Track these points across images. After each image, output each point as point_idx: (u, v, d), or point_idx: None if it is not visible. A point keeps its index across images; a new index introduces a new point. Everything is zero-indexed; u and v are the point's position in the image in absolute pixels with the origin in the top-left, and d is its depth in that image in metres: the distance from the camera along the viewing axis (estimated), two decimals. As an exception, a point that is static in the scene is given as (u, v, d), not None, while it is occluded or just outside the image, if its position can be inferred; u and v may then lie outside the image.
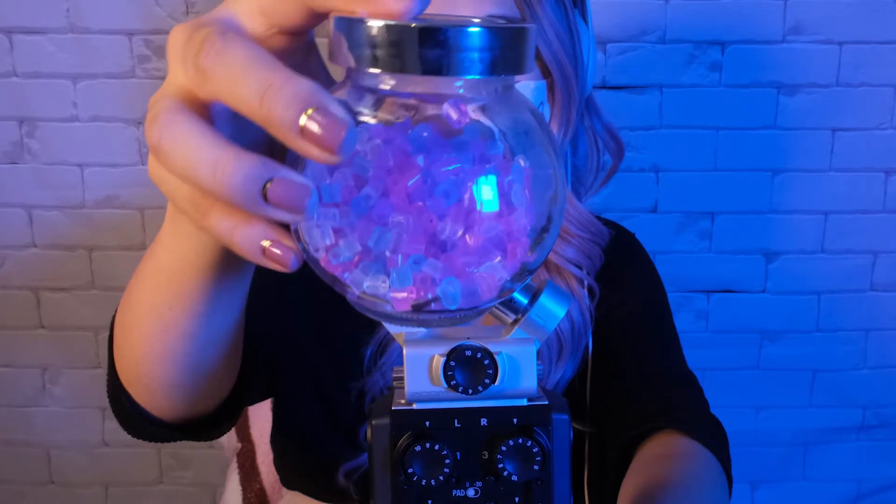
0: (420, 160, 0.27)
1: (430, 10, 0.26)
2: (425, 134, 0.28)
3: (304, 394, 0.77)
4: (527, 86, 0.69)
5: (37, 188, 1.27)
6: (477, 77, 0.26)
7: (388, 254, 0.28)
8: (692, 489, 0.56)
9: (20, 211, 1.28)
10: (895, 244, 1.30)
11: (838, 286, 1.31)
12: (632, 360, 0.75)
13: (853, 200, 1.28)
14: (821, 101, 1.24)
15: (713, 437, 0.64)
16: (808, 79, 1.24)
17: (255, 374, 0.65)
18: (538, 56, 0.71)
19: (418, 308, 0.29)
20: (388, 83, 0.27)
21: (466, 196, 0.28)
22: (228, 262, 0.38)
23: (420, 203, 0.28)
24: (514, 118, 0.31)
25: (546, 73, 0.71)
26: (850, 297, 1.31)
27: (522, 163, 0.29)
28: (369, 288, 0.29)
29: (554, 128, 0.72)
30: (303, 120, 0.24)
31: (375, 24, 0.25)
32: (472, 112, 0.28)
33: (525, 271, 0.31)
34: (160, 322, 0.44)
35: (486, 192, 0.28)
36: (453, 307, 0.29)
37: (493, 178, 0.28)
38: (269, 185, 0.25)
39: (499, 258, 0.29)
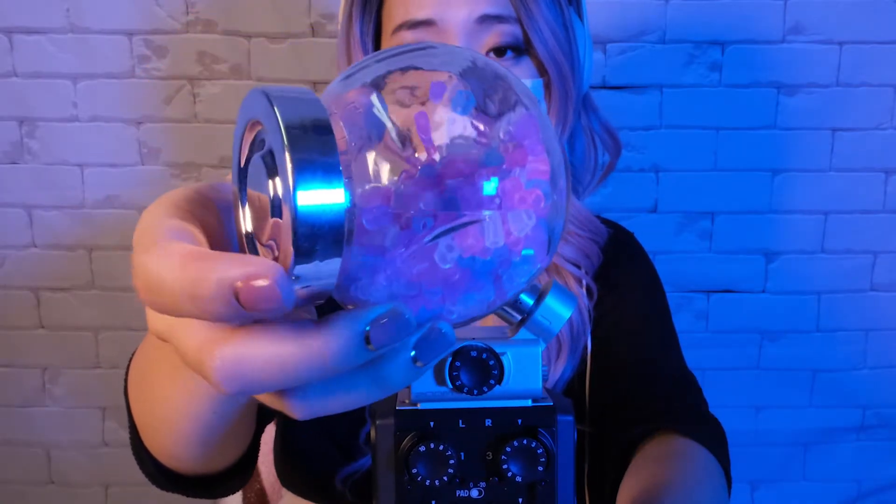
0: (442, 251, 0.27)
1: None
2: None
3: None
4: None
5: (37, 188, 1.27)
6: (344, 182, 0.23)
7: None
8: (691, 489, 0.56)
9: (20, 211, 1.28)
10: (895, 244, 1.30)
11: (838, 286, 1.31)
12: (631, 360, 0.75)
13: (853, 200, 1.28)
14: (821, 101, 1.25)
15: (712, 437, 0.64)
16: (808, 79, 1.24)
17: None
18: (534, 54, 0.71)
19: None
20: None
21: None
22: None
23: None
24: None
25: (542, 72, 0.71)
26: (850, 297, 1.32)
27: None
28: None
29: None
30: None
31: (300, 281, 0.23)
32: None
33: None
34: (187, 415, 0.43)
35: (487, 186, 0.27)
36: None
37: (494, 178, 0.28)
38: (370, 338, 0.24)
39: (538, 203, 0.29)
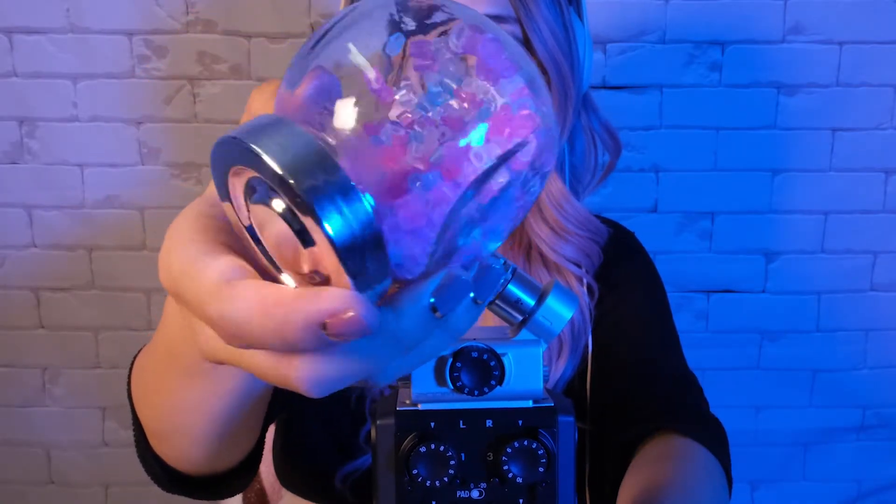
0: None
1: None
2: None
3: (303, 402, 0.77)
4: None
5: (37, 188, 1.27)
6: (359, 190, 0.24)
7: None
8: (692, 489, 0.56)
9: (20, 211, 1.28)
10: (895, 244, 1.30)
11: (838, 286, 1.31)
12: (631, 360, 0.75)
13: (853, 200, 1.28)
14: (821, 101, 1.24)
15: (713, 437, 0.64)
16: (808, 79, 1.24)
17: (275, 403, 0.65)
18: (534, 54, 0.70)
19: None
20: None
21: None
22: None
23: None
24: None
25: (542, 72, 0.71)
26: (850, 297, 1.32)
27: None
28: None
29: None
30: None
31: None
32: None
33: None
34: (203, 416, 0.43)
35: (476, 134, 0.26)
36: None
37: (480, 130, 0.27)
38: (436, 307, 0.26)
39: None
